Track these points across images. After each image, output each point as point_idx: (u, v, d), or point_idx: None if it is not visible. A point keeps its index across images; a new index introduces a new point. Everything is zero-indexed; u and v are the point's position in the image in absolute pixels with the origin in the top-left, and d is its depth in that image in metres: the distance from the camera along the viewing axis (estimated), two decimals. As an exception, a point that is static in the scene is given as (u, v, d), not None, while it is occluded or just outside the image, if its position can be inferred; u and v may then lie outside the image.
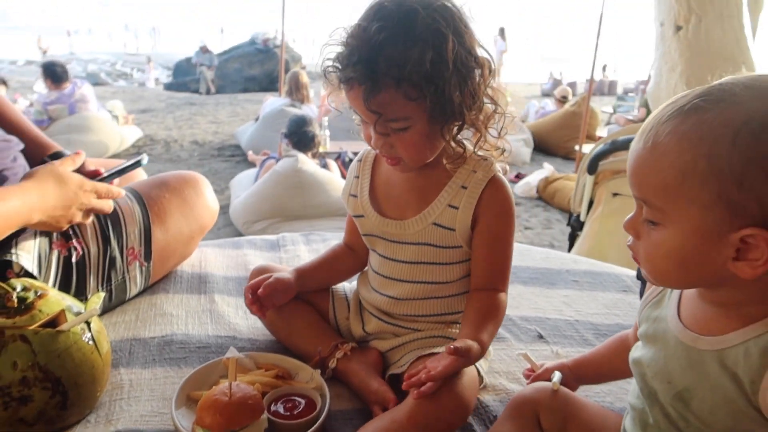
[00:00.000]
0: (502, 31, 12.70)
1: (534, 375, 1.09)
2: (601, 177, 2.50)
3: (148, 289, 1.40)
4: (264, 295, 1.14)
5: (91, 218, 1.19)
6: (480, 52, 0.98)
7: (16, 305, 0.93)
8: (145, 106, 8.67)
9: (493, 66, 1.00)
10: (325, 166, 4.36)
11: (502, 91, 1.04)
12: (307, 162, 4.03)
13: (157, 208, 1.35)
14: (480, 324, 1.02)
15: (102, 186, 1.16)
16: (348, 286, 1.29)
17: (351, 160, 1.20)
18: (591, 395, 1.12)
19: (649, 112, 6.60)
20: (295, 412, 1.00)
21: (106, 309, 1.30)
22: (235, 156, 6.31)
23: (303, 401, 1.02)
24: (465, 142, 1.06)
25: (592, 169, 2.50)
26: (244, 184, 4.61)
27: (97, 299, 1.00)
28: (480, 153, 1.07)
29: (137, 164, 1.26)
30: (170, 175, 1.45)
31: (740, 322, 0.67)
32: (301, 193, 3.97)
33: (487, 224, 1.06)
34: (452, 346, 0.92)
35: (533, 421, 0.93)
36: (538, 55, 23.42)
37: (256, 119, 6.56)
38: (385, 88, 0.92)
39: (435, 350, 1.08)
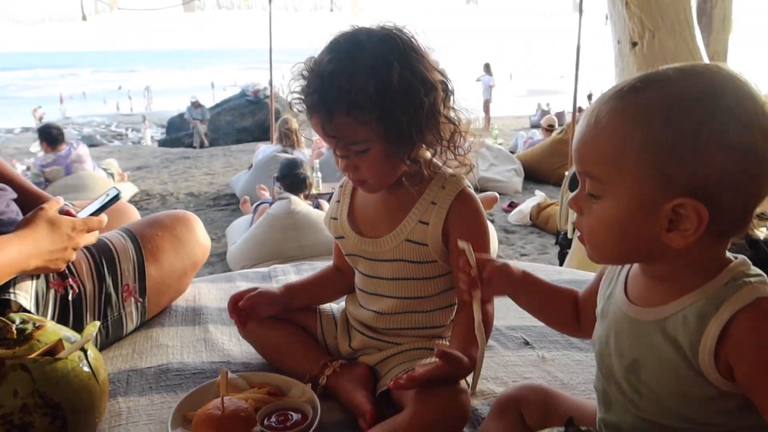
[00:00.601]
0: (487, 67, 12.99)
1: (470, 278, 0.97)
2: (583, 193, 2.57)
3: (144, 324, 1.45)
4: (245, 306, 1.20)
5: (75, 255, 1.25)
6: (434, 76, 1.05)
7: (15, 337, 0.97)
8: (140, 164, 8.81)
9: (450, 87, 1.07)
10: (318, 206, 4.43)
11: (464, 112, 1.11)
12: (300, 203, 4.11)
13: (150, 245, 1.41)
14: (469, 339, 1.04)
15: (91, 221, 1.24)
16: (335, 306, 1.34)
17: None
18: (572, 391, 1.15)
19: None
20: (288, 425, 1.03)
21: (103, 345, 1.34)
22: (231, 204, 6.39)
23: (295, 415, 1.05)
24: (437, 161, 1.12)
25: (572, 186, 2.57)
26: (240, 230, 4.67)
27: (92, 327, 1.05)
28: (450, 170, 1.13)
29: (115, 198, 1.32)
30: (162, 214, 1.51)
31: (677, 293, 0.72)
32: (295, 234, 4.03)
33: (459, 237, 1.11)
34: (443, 350, 0.96)
35: (517, 418, 0.97)
36: (524, 89, 23.89)
37: (250, 167, 6.68)
38: (338, 115, 1.00)
39: (421, 362, 1.11)
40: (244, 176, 6.55)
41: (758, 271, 0.71)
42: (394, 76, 0.98)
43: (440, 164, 1.13)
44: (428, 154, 1.11)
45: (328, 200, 4.91)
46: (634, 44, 1.80)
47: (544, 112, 12.51)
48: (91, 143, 12.41)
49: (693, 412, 0.72)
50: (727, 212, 0.67)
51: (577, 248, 2.60)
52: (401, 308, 1.17)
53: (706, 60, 1.84)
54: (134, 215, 1.73)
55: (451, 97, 1.07)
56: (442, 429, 0.97)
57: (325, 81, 1.00)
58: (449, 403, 0.98)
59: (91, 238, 1.26)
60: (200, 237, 1.54)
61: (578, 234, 0.80)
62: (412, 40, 1.04)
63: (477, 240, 1.11)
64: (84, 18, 5.93)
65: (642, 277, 0.78)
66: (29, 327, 1.00)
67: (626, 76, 2.00)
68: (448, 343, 1.17)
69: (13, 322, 0.99)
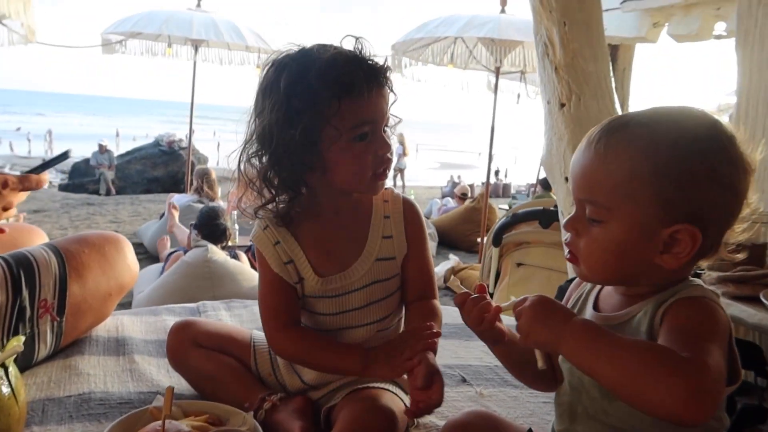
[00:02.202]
0: (400, 137, 13.51)
1: (471, 299, 0.88)
2: (506, 249, 2.70)
3: (60, 352, 1.33)
4: None
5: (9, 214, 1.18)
6: None
7: (-75, 347, 0.87)
8: (38, 207, 8.20)
9: None
10: (235, 257, 4.31)
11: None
12: (217, 252, 3.97)
13: (75, 262, 1.31)
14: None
15: (28, 178, 1.18)
16: None
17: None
18: (518, 418, 1.17)
19: (545, 187, 7.09)
20: (230, 453, 0.97)
21: (13, 372, 1.21)
22: (138, 254, 6.02)
23: (237, 443, 1.00)
24: None
25: (496, 241, 2.69)
26: (149, 278, 4.42)
27: (16, 341, 0.95)
28: None
29: (63, 156, 1.23)
30: (91, 233, 1.42)
31: (638, 300, 0.80)
32: (211, 284, 3.87)
33: (415, 241, 1.15)
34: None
35: None
36: (436, 161, 24.94)
37: (161, 216, 6.42)
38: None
39: (368, 384, 1.11)
40: (154, 225, 6.28)
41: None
42: None
43: None
44: None
45: (246, 252, 4.79)
46: (563, 105, 1.98)
47: (455, 183, 13.10)
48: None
49: None
50: (709, 238, 0.75)
51: (497, 300, 2.68)
52: (371, 333, 1.15)
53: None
54: (45, 237, 1.62)
55: None
56: None
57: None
58: (376, 422, 0.99)
59: (22, 197, 1.20)
60: (129, 260, 1.47)
61: (567, 255, 0.84)
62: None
63: (425, 241, 1.18)
64: (-6, 48, 5.59)
65: (615, 295, 0.85)
66: (-57, 338, 0.90)
67: (555, 133, 2.17)
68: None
69: (-75, 331, 0.88)
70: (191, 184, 6.70)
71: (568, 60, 2.14)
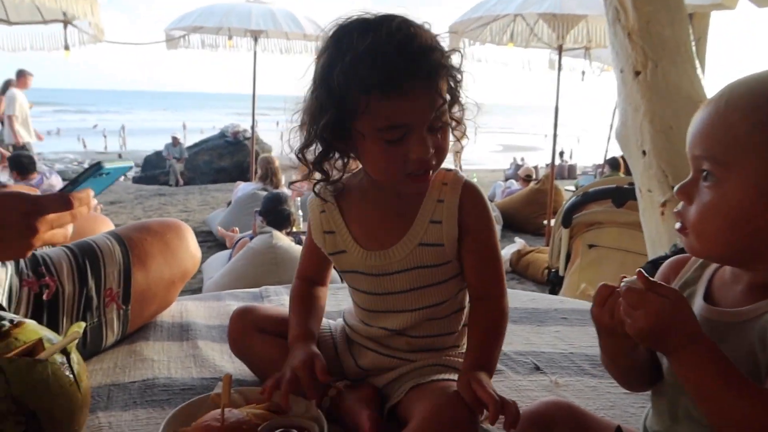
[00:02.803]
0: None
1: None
2: (576, 230, 2.55)
3: (126, 338, 1.34)
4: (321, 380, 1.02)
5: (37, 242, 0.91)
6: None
7: (-10, 333, 0.87)
8: (113, 198, 8.60)
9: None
10: (300, 242, 4.34)
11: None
12: (282, 238, 4.01)
13: (138, 250, 1.31)
14: (486, 344, 1.04)
15: (49, 200, 0.90)
16: (332, 323, 1.24)
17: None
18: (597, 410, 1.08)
19: (613, 167, 6.81)
20: (292, 443, 0.93)
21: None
22: (207, 242, 6.23)
23: (299, 432, 0.96)
24: None
25: (566, 222, 2.55)
26: (217, 266, 4.53)
27: (77, 327, 0.95)
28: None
29: (96, 168, 0.97)
30: (152, 221, 1.43)
31: (765, 295, 0.68)
32: (276, 269, 3.92)
33: (473, 231, 1.05)
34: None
35: None
36: (498, 144, 24.44)
37: (228, 204, 6.57)
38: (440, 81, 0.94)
39: (432, 378, 1.05)
40: (222, 213, 6.43)
41: None
42: None
43: None
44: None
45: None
46: (638, 73, 1.83)
47: (519, 166, 12.78)
48: (64, 178, 12.15)
49: None
50: None
51: (569, 285, 2.56)
52: (418, 320, 1.09)
53: (706, 92, 1.90)
54: (110, 225, 1.64)
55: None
56: None
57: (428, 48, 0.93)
58: (454, 419, 0.91)
59: (65, 223, 0.92)
60: (191, 246, 1.46)
61: (678, 225, 0.74)
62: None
63: (489, 234, 1.08)
64: (67, 48, 5.85)
65: (735, 285, 0.74)
66: (5, 324, 0.90)
67: (630, 104, 2.01)
68: (463, 351, 1.11)
69: (-10, 317, 0.89)
70: (256, 172, 6.82)
71: (642, 25, 1.98)
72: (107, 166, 0.96)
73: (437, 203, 1.05)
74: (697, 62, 1.92)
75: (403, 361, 1.10)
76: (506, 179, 12.18)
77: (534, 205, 7.14)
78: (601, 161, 9.94)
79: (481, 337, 1.05)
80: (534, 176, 8.23)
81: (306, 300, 1.18)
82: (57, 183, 5.98)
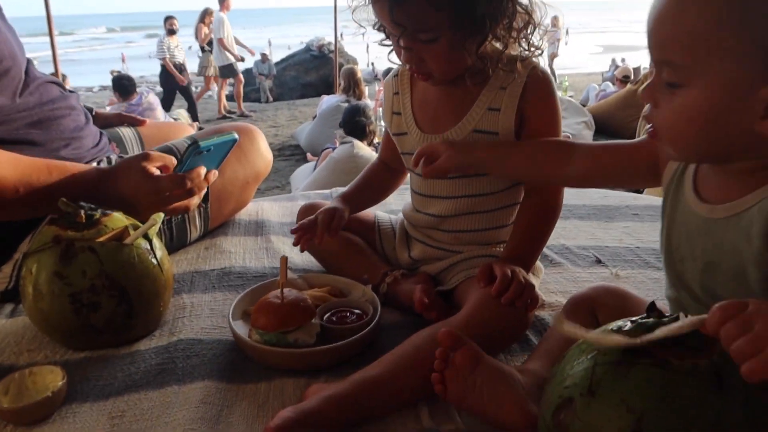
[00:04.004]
0: (555, 19, 12.39)
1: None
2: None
3: (208, 234, 1.46)
4: (332, 229, 1.12)
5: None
6: None
7: (84, 221, 0.99)
8: (208, 117, 9.01)
9: None
10: (381, 152, 4.40)
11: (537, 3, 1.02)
12: (363, 147, 4.08)
13: None
14: (527, 238, 1.05)
15: (181, 178, 1.08)
16: (393, 217, 1.30)
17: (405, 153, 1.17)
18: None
19: None
20: (347, 322, 1.01)
21: (168, 250, 1.35)
22: (295, 155, 6.46)
23: (355, 313, 1.04)
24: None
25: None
26: (303, 176, 4.71)
27: (157, 216, 1.05)
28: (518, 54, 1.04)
29: (230, 143, 1.13)
30: (225, 125, 1.51)
31: (754, 186, 0.64)
32: (356, 177, 4.02)
33: (532, 119, 1.03)
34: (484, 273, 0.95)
35: (590, 316, 0.91)
36: (599, 45, 22.74)
37: (314, 118, 6.70)
38: None
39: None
40: (308, 127, 6.58)
41: None
42: None
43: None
44: (498, 47, 1.03)
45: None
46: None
47: (618, 67, 11.88)
48: (161, 97, 12.77)
49: None
50: None
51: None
52: (461, 209, 1.11)
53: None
54: (190, 131, 1.74)
55: None
56: (499, 331, 0.93)
57: None
58: (502, 311, 0.93)
59: (184, 198, 1.11)
60: (263, 149, 1.54)
61: (649, 128, 0.71)
62: None
63: (553, 126, 1.05)
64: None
65: (714, 175, 0.70)
66: (97, 213, 1.01)
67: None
68: None
69: (83, 207, 1.00)
70: (339, 85, 6.85)
71: None
72: (203, 144, 1.07)
73: (499, 90, 1.04)
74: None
75: (451, 253, 1.14)
76: (603, 81, 11.43)
77: (631, 108, 6.68)
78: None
79: (524, 229, 1.05)
80: (632, 77, 7.66)
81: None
82: (154, 101, 6.33)
